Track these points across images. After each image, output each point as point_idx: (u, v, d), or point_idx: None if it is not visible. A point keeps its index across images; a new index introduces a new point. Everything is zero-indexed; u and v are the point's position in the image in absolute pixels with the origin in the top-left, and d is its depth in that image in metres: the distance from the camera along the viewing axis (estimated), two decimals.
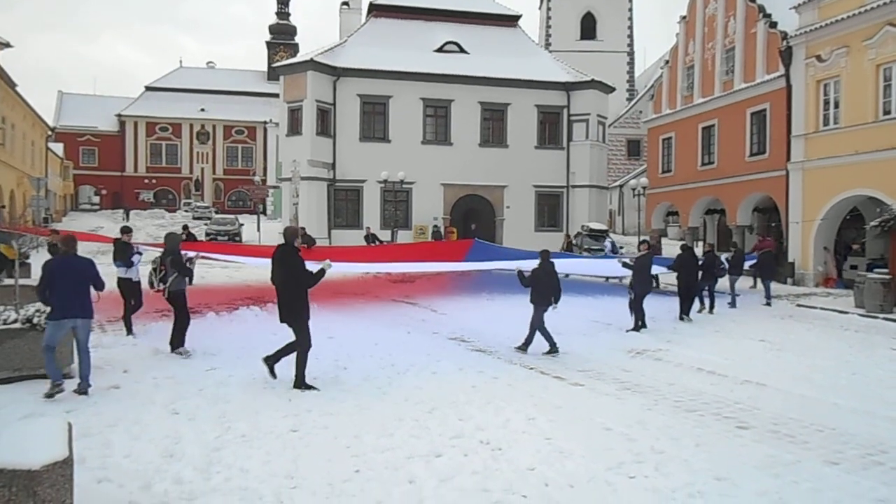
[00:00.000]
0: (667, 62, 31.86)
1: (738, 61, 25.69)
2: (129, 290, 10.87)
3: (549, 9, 55.19)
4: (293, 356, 7.94)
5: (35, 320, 7.56)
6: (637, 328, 12.61)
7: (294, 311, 7.92)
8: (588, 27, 55.08)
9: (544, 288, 10.53)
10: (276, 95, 35.76)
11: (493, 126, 34.22)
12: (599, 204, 35.15)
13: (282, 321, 8.04)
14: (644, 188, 30.26)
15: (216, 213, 50.53)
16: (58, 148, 51.19)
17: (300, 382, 7.82)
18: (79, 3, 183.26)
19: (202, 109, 66.22)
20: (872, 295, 15.97)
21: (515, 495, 4.98)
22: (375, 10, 35.89)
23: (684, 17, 29.99)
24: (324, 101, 31.50)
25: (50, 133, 46.24)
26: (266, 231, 34.11)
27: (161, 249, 10.30)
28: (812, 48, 20.96)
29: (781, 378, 9.18)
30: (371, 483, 5.13)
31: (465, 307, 14.96)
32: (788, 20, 22.44)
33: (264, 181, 51.14)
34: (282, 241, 8.40)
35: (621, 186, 46.22)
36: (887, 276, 16.24)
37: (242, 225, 36.91)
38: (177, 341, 9.51)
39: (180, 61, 71.82)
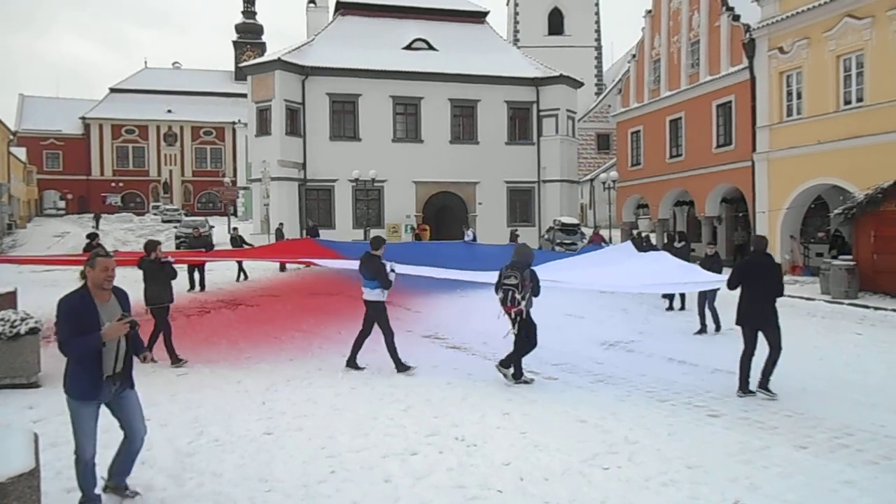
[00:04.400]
0: (634, 56, 32.15)
1: (702, 54, 26.01)
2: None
3: (516, 4, 55.40)
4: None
5: None
6: (704, 329, 12.08)
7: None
8: (555, 23, 55.39)
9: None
10: (244, 95, 35.40)
11: (464, 123, 34.28)
12: (571, 198, 35.40)
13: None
14: (614, 181, 30.52)
15: (186, 215, 49.89)
16: (20, 152, 50.13)
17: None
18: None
19: (169, 111, 65.37)
20: (837, 282, 16.34)
21: (491, 490, 4.99)
22: (343, 9, 35.71)
23: (649, 12, 30.28)
24: (292, 101, 31.26)
25: (11, 137, 45.28)
26: (242, 231, 33.70)
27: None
28: (774, 40, 21.31)
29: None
30: (346, 483, 5.11)
31: (439, 304, 14.95)
32: (751, 13, 22.79)
33: (234, 182, 50.63)
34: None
35: (592, 180, 46.58)
36: (851, 263, 16.61)
37: (213, 227, 36.51)
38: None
39: (145, 62, 71.04)
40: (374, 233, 28.89)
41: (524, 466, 5.45)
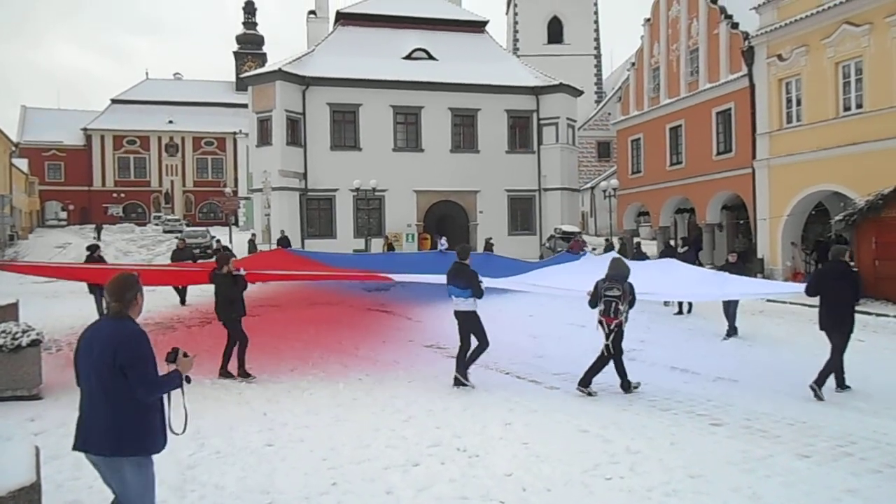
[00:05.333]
0: (633, 64, 32.23)
1: (702, 62, 26.08)
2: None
3: (515, 14, 55.62)
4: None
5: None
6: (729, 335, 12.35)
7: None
8: (555, 31, 55.59)
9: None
10: (245, 106, 35.49)
11: (464, 132, 34.35)
12: (571, 206, 35.43)
13: None
14: (615, 189, 30.55)
15: (187, 225, 49.97)
16: (22, 164, 50.27)
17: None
18: (26, 8, 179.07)
19: (170, 121, 65.53)
20: None
21: (493, 502, 4.98)
22: (343, 19, 35.85)
23: (648, 20, 30.37)
24: (293, 111, 31.35)
25: (13, 149, 45.41)
26: (238, 242, 33.77)
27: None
28: (773, 48, 21.37)
29: (753, 374, 9.32)
30: (348, 495, 5.10)
31: (441, 314, 14.89)
32: (750, 21, 22.86)
33: (235, 192, 50.70)
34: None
35: (592, 188, 46.62)
36: (854, 269, 16.57)
37: (215, 237, 36.53)
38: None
39: (146, 73, 71.00)
40: (375, 242, 29.13)
41: (526, 477, 5.43)
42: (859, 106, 18.66)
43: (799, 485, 5.29)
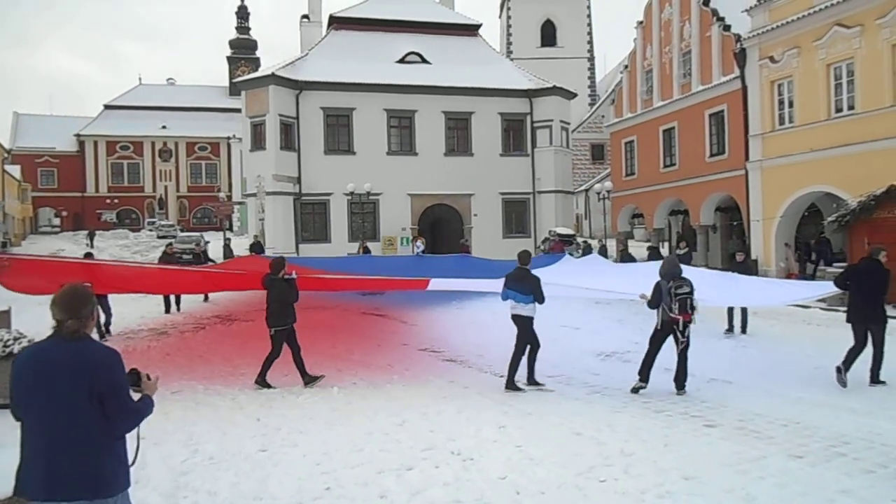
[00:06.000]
0: (626, 67, 32.34)
1: (694, 64, 26.17)
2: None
3: (508, 17, 55.71)
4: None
5: None
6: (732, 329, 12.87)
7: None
8: (548, 34, 55.70)
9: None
10: (239, 110, 35.41)
11: (458, 135, 34.33)
12: (566, 209, 35.44)
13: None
14: (609, 192, 30.60)
15: (181, 231, 49.85)
16: (15, 170, 50.13)
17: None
18: (18, 14, 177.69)
19: (163, 126, 65.41)
20: None
21: None
22: (336, 23, 35.84)
23: (641, 23, 30.48)
24: (287, 115, 31.31)
25: (6, 155, 45.27)
26: (233, 247, 33.73)
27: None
28: (765, 50, 21.46)
29: (747, 375, 9.35)
30: (342, 500, 5.09)
31: (435, 317, 14.94)
32: (741, 23, 22.96)
33: (229, 197, 50.57)
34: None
35: (587, 191, 46.70)
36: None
37: (208, 242, 36.44)
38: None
39: (139, 78, 70.99)
40: (371, 246, 29.06)
41: (520, 480, 5.43)
42: (851, 107, 18.75)
43: (792, 485, 5.29)
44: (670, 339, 8.53)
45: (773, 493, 5.14)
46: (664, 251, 26.53)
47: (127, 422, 3.10)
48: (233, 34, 76.02)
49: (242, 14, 76.29)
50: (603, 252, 22.85)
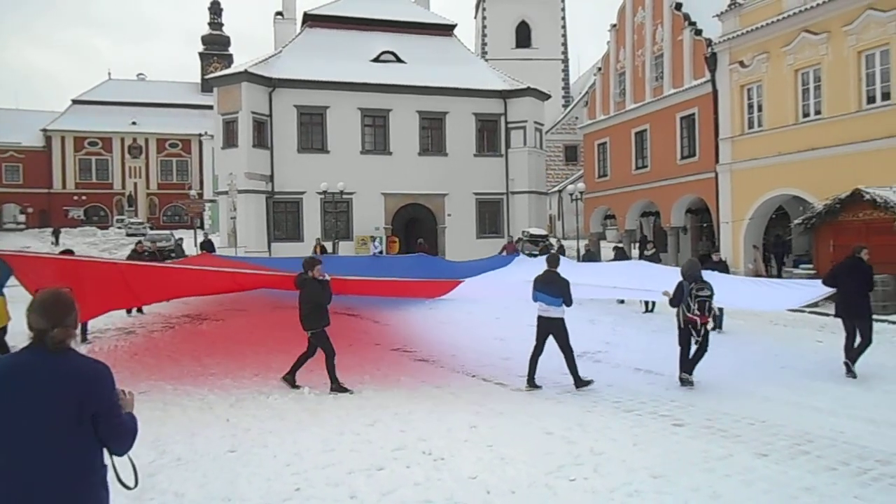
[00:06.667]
0: (599, 69, 32.61)
1: (666, 68, 26.48)
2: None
3: (484, 18, 55.87)
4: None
5: None
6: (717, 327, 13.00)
7: None
8: (523, 35, 55.98)
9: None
10: (211, 107, 35.03)
11: (432, 135, 34.34)
12: (539, 209, 35.64)
13: None
14: (582, 193, 30.83)
15: (151, 228, 49.14)
16: None
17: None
18: None
19: (133, 123, 64.41)
20: None
21: None
22: (310, 21, 35.63)
23: (614, 26, 30.76)
24: (259, 113, 31.05)
25: None
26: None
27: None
28: (735, 54, 21.80)
29: (715, 374, 9.47)
30: (312, 501, 5.06)
31: (407, 317, 14.92)
32: (713, 28, 23.30)
33: (201, 195, 49.99)
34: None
35: (560, 192, 46.99)
36: (812, 271, 16.98)
37: (181, 239, 35.96)
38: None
39: (109, 73, 69.85)
40: (344, 245, 29.04)
41: (491, 479, 5.44)
42: (818, 112, 19.13)
43: (757, 483, 5.38)
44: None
45: (739, 491, 5.22)
46: (635, 252, 26.78)
47: (126, 443, 2.82)
48: (205, 30, 75.23)
49: (215, 10, 75.50)
50: (561, 251, 23.00)
